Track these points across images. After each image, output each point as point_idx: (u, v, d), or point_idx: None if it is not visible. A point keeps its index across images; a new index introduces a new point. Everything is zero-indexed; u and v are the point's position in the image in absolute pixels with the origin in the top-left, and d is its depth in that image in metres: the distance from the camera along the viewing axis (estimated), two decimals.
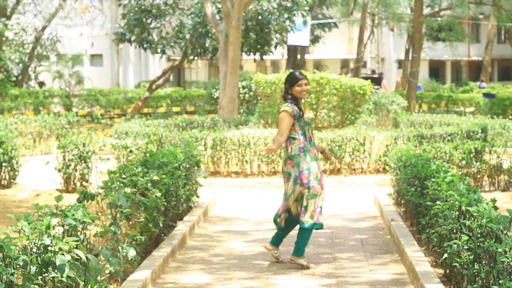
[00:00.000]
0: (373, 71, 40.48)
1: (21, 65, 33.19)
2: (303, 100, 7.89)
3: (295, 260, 7.49)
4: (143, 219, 7.42)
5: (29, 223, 4.85)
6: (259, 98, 23.93)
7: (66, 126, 18.81)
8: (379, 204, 10.74)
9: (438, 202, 6.97)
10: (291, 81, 7.49)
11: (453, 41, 40.86)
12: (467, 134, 15.16)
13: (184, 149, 10.14)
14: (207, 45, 25.06)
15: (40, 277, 4.78)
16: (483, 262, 5.58)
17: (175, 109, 34.52)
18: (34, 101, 30.16)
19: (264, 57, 26.32)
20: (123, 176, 7.69)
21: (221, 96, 20.06)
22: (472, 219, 5.99)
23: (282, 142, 7.37)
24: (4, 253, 4.56)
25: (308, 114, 7.67)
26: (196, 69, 51.50)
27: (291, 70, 22.10)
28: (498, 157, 12.43)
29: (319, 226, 7.42)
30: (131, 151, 12.14)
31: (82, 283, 5.09)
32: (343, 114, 16.53)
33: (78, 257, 5.02)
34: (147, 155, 9.46)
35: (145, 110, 32.81)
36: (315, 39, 43.43)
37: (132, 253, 6.43)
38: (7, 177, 12.69)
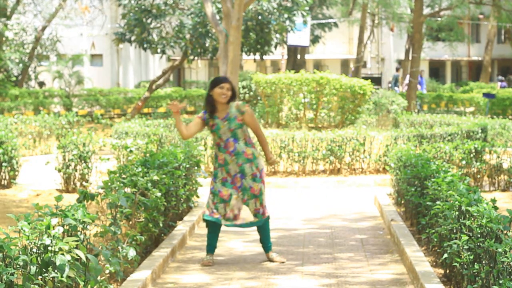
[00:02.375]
0: (397, 69, 38.82)
1: (21, 65, 33.15)
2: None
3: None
4: (143, 219, 7.42)
5: (29, 223, 4.85)
6: (259, 98, 23.93)
7: (66, 126, 18.79)
8: (379, 204, 10.74)
9: (438, 202, 6.97)
10: (214, 83, 7.70)
11: (453, 41, 40.86)
12: (467, 134, 15.16)
13: (184, 149, 10.14)
14: (207, 45, 25.03)
15: (40, 277, 4.78)
16: (483, 262, 5.58)
17: None
18: (34, 101, 30.13)
19: (264, 57, 26.30)
20: (123, 176, 7.69)
21: None
22: (472, 219, 5.99)
23: (182, 131, 7.59)
24: (4, 253, 4.56)
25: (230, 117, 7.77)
26: (196, 69, 51.51)
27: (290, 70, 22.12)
28: (498, 157, 12.43)
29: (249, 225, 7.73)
30: (131, 151, 12.13)
31: (82, 283, 5.09)
32: (343, 114, 16.53)
33: (78, 257, 5.02)
34: (147, 155, 9.46)
35: (145, 110, 32.78)
36: (315, 39, 43.40)
37: (132, 253, 6.43)
38: (7, 177, 12.69)
